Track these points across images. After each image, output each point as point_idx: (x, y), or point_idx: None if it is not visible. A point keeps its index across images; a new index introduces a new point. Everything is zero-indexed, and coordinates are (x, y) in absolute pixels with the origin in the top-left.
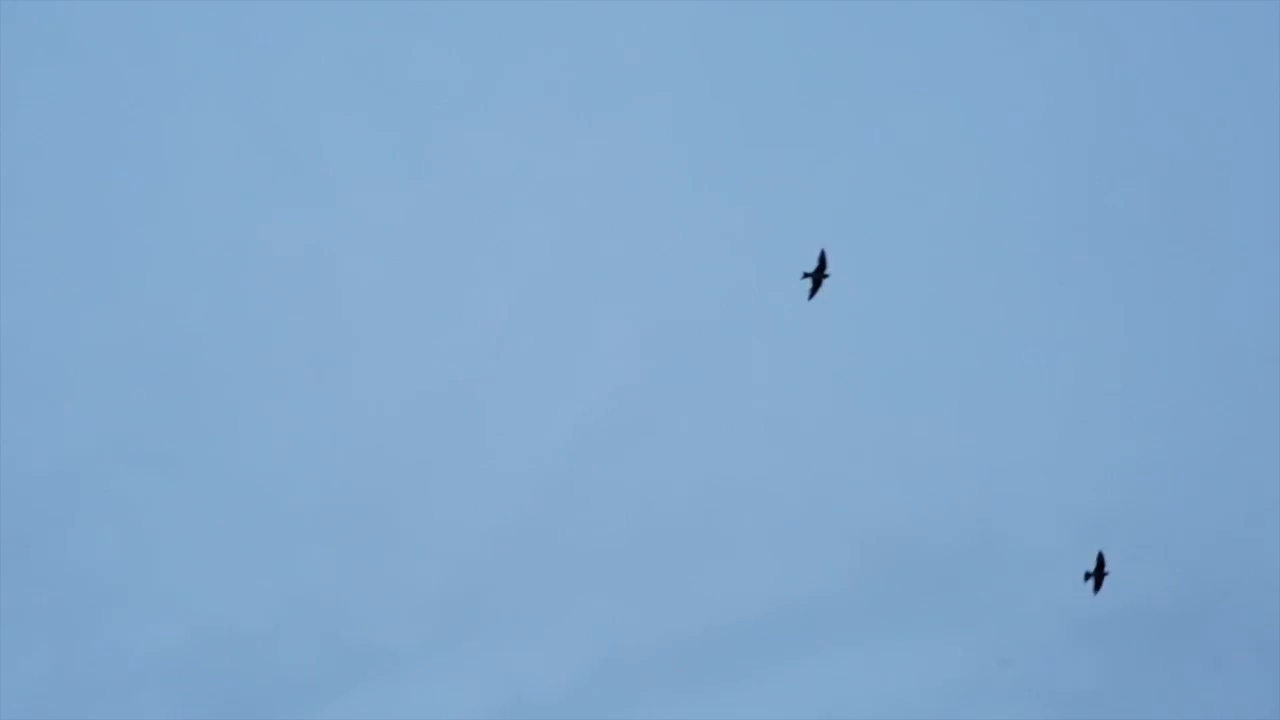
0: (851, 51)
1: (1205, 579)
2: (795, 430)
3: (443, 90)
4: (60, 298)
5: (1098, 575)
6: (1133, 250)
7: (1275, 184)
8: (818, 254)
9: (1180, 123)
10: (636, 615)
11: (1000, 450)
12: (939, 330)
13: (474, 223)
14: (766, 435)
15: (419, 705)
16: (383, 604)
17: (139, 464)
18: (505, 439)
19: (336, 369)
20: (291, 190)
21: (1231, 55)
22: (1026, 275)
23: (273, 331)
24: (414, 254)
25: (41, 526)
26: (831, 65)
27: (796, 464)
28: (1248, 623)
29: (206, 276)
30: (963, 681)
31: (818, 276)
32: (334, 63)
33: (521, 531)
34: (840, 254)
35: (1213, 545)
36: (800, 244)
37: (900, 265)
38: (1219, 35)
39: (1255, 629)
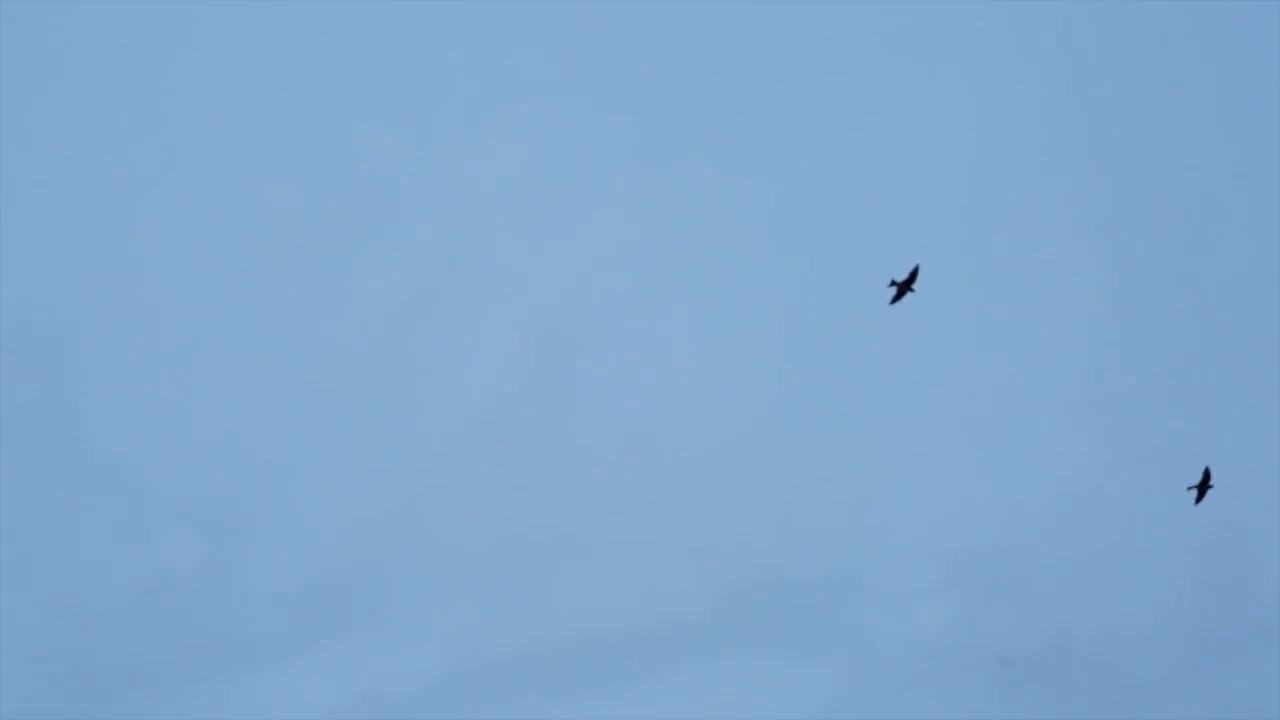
0: (751, 59)
1: (1062, 621)
2: (667, 452)
3: (336, 87)
4: None
5: (1202, 488)
6: (999, 298)
7: (1169, 242)
8: (912, 267)
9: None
10: (498, 620)
11: (867, 488)
12: (813, 365)
13: (360, 221)
14: (638, 454)
15: (277, 695)
16: (244, 594)
17: (2, 443)
18: (377, 438)
19: (211, 358)
20: (177, 180)
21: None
22: (899, 317)
23: (148, 318)
24: (297, 248)
25: None
26: (730, 71)
27: (667, 485)
28: (1103, 664)
29: (83, 260)
30: (818, 708)
31: (904, 288)
32: (229, 52)
33: (388, 530)
34: (724, 281)
35: (1071, 588)
36: (690, 260)
37: (779, 301)
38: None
39: (1110, 671)
